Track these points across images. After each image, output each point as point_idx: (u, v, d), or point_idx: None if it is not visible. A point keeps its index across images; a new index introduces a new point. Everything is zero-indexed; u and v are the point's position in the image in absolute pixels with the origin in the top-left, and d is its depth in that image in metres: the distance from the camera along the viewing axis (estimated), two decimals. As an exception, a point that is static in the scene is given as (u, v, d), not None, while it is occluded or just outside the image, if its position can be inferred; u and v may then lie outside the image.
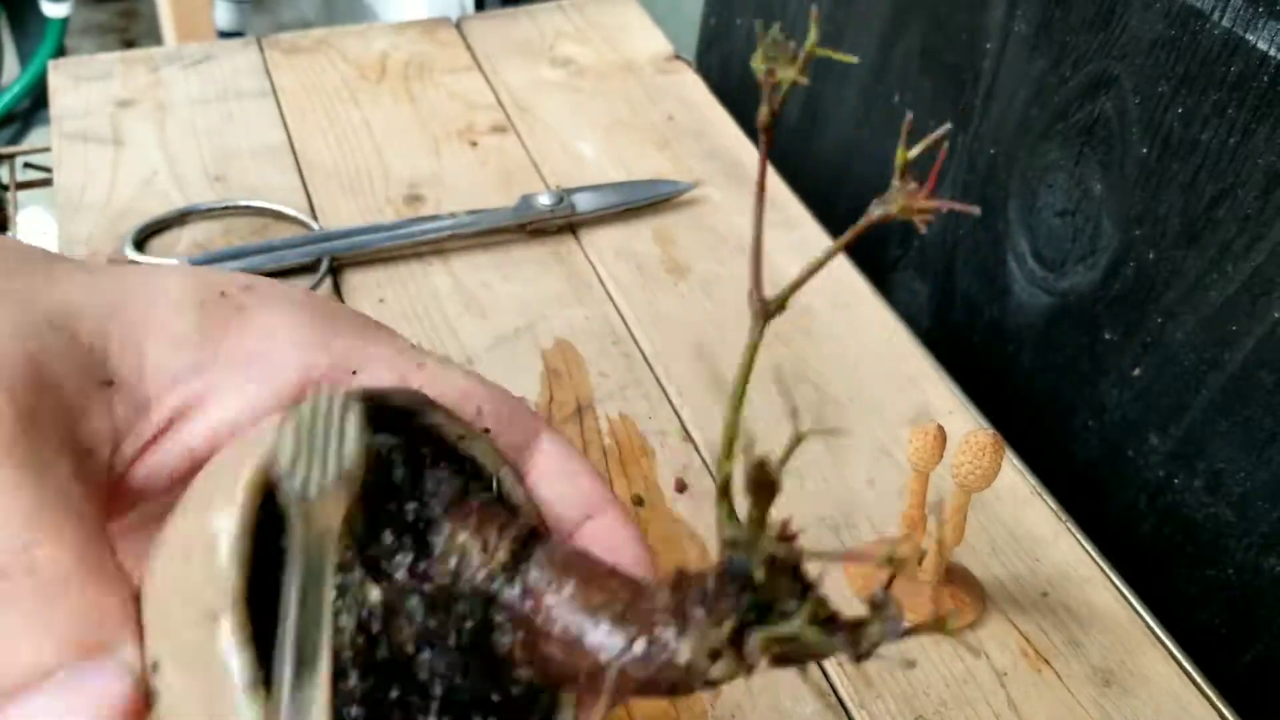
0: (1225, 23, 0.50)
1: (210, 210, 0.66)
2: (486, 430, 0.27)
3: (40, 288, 0.25)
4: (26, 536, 0.21)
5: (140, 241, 0.62)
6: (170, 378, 0.26)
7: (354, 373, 0.27)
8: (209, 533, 0.22)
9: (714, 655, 0.22)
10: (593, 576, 0.24)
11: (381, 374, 0.27)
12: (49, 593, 0.21)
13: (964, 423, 0.58)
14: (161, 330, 0.26)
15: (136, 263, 0.27)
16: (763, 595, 0.23)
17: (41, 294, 0.25)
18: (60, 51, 1.83)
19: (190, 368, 0.26)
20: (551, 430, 0.29)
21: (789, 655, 0.23)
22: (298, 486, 0.22)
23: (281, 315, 0.27)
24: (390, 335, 0.28)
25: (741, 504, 0.23)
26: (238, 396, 0.26)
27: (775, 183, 0.73)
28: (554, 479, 0.28)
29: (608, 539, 0.28)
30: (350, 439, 0.22)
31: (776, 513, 0.24)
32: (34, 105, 1.86)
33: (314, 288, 0.61)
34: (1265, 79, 0.48)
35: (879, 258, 0.77)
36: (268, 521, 0.22)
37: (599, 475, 0.29)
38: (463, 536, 0.24)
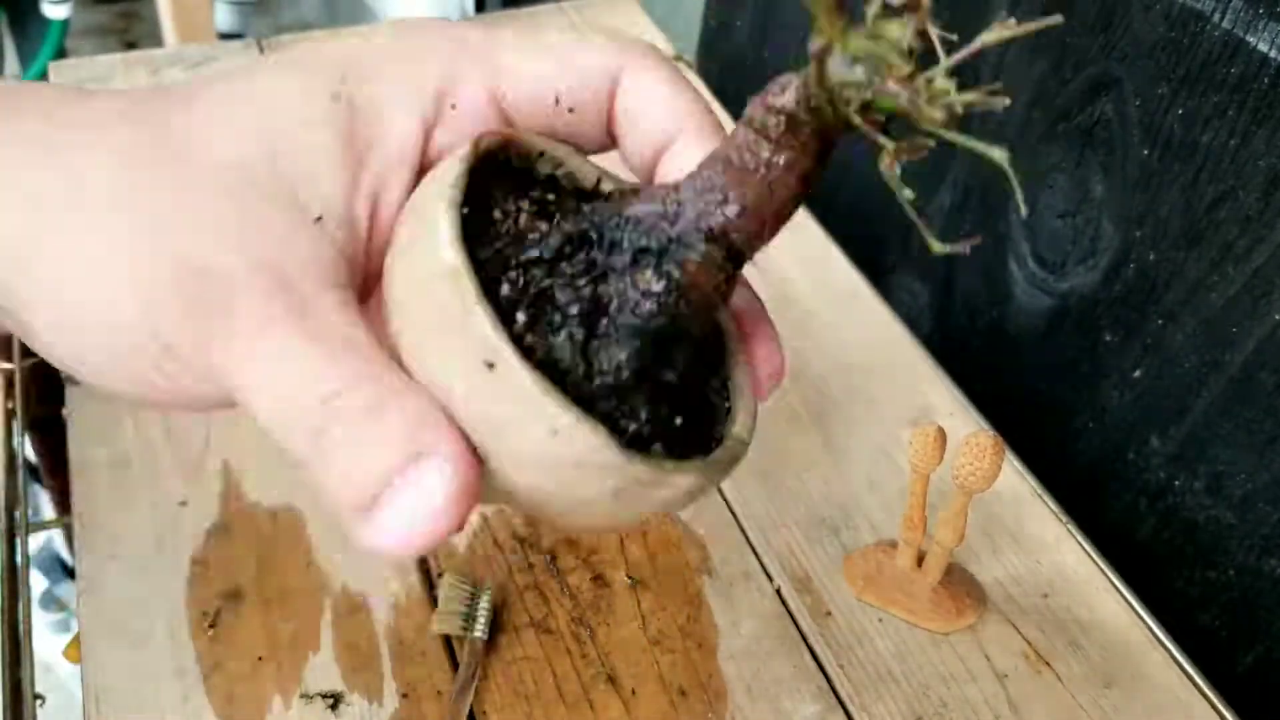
0: (1226, 24, 0.50)
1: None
2: (570, 110, 0.30)
3: (198, 157, 0.27)
4: (329, 388, 0.25)
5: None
6: (350, 191, 0.28)
7: (453, 107, 0.29)
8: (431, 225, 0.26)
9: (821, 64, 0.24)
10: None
11: (475, 96, 0.29)
12: (377, 418, 0.25)
13: (964, 424, 0.58)
14: (318, 159, 0.28)
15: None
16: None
17: (205, 164, 0.27)
18: (61, 53, 1.83)
19: (356, 174, 0.28)
20: (637, 59, 0.30)
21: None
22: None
23: (381, 88, 0.29)
24: (467, 47, 0.30)
25: None
26: (392, 185, 0.29)
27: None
28: (633, 116, 0.30)
29: (679, 163, 0.29)
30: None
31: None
32: (35, 107, 1.85)
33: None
34: (1266, 80, 0.48)
35: (879, 259, 0.77)
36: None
37: (681, 93, 0.30)
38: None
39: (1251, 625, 0.54)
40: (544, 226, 0.27)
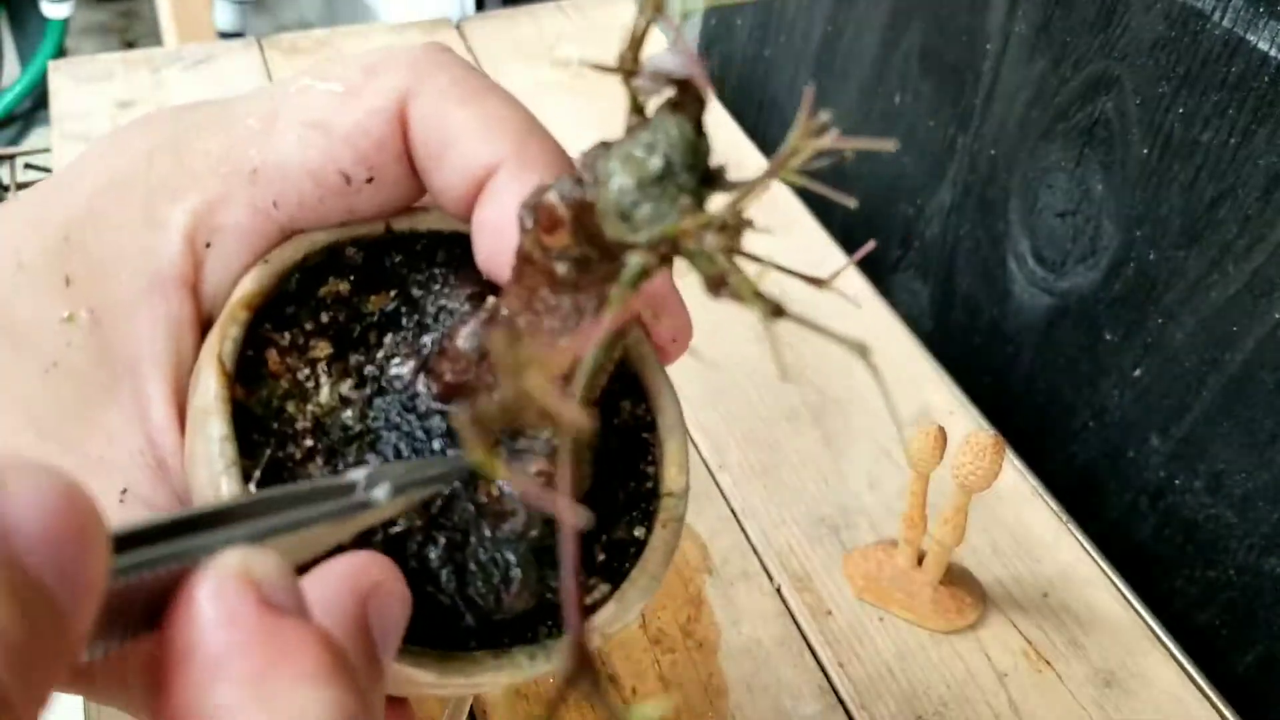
0: (1226, 23, 0.50)
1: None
2: (369, 181, 0.25)
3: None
4: None
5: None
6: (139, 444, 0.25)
7: (207, 245, 0.24)
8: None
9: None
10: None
11: (236, 220, 0.24)
12: None
13: (964, 423, 0.58)
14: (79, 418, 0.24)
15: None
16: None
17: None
18: (61, 52, 1.83)
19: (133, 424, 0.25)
20: (426, 80, 0.24)
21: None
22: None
23: (112, 268, 0.25)
24: (212, 160, 0.24)
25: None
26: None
27: (775, 183, 0.73)
28: (439, 151, 0.24)
29: (497, 204, 0.24)
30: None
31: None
32: (34, 106, 1.86)
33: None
34: (1266, 79, 0.48)
35: (879, 259, 0.77)
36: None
37: (489, 103, 0.24)
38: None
39: (1251, 624, 0.54)
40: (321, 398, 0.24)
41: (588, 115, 0.77)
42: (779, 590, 0.50)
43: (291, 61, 0.79)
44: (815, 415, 0.58)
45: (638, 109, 0.19)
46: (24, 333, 0.23)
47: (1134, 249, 0.57)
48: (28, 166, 0.78)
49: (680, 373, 0.62)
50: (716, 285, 0.18)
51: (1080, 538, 0.53)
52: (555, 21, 0.87)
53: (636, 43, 0.19)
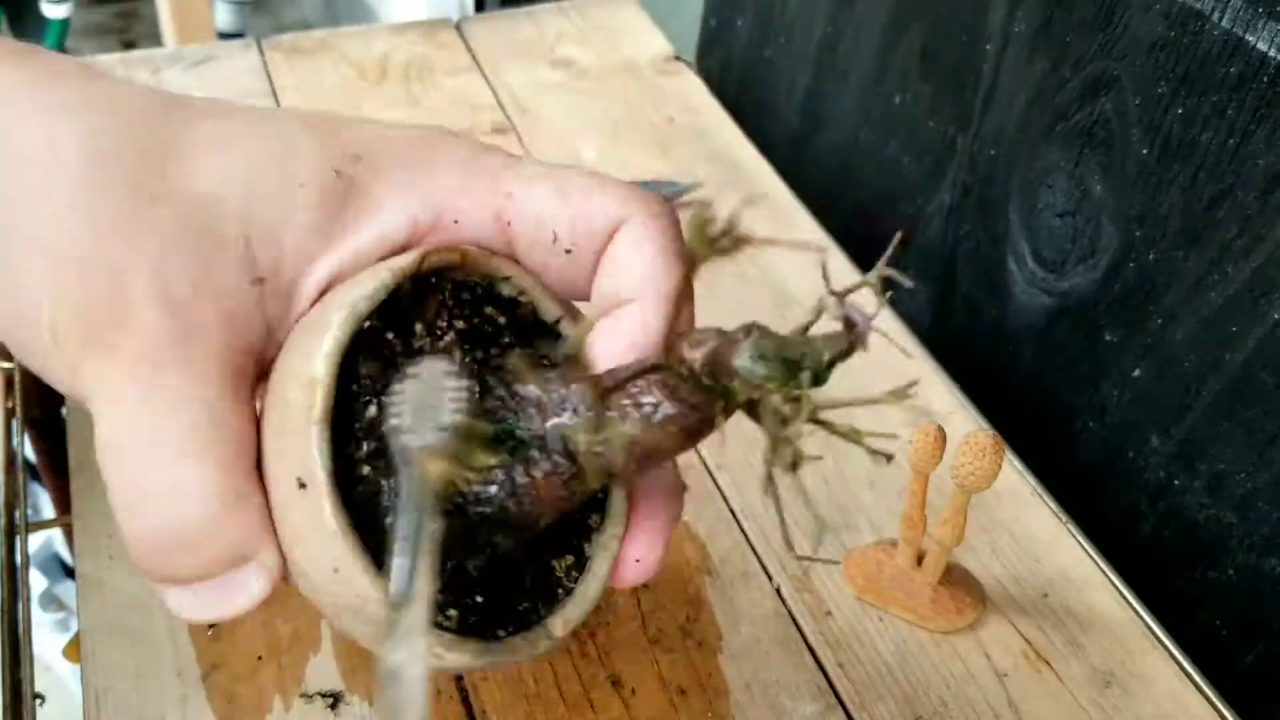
0: (1225, 24, 0.50)
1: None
2: (567, 251, 0.30)
3: (174, 176, 0.27)
4: (174, 462, 0.25)
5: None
6: (306, 264, 0.28)
7: (455, 222, 0.29)
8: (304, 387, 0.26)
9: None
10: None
11: (477, 214, 0.29)
12: (207, 513, 0.25)
13: (964, 424, 0.58)
14: (293, 222, 0.28)
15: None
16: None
17: (178, 187, 0.27)
18: (61, 53, 1.83)
19: (322, 253, 0.28)
20: (640, 213, 0.29)
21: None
22: (412, 442, 0.25)
23: (387, 182, 0.29)
24: (484, 166, 0.30)
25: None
26: (359, 269, 0.29)
27: (775, 184, 0.73)
28: (607, 270, 0.30)
29: (608, 328, 0.29)
30: (448, 407, 0.26)
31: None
32: (34, 107, 1.86)
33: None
34: (1265, 80, 0.48)
35: (879, 260, 0.77)
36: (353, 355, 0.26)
37: (658, 260, 0.29)
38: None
39: (1251, 624, 0.54)
40: (455, 358, 0.27)
41: (587, 116, 0.77)
42: (778, 590, 0.50)
43: (291, 62, 0.79)
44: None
45: (808, 324, 0.26)
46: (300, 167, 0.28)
47: (1133, 249, 0.57)
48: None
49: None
50: (768, 425, 0.26)
51: (1080, 538, 0.53)
52: (555, 22, 0.87)
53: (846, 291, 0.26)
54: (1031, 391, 0.66)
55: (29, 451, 0.62)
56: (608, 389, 0.26)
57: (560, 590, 0.29)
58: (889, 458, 0.26)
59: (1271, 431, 0.51)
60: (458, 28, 0.85)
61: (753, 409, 0.26)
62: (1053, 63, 0.60)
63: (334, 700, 0.45)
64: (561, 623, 0.28)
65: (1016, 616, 0.50)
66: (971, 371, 0.63)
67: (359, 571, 0.25)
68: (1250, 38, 0.49)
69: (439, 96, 0.77)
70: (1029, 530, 0.53)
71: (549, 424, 0.26)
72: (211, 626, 0.47)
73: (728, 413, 0.26)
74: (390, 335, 0.27)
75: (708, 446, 0.55)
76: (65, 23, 1.82)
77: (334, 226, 0.28)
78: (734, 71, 0.91)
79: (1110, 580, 0.52)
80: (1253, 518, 0.53)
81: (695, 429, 0.26)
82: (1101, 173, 0.58)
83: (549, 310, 0.30)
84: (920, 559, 0.49)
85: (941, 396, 0.59)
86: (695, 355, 0.25)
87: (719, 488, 0.54)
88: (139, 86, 0.29)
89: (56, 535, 0.99)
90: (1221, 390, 0.53)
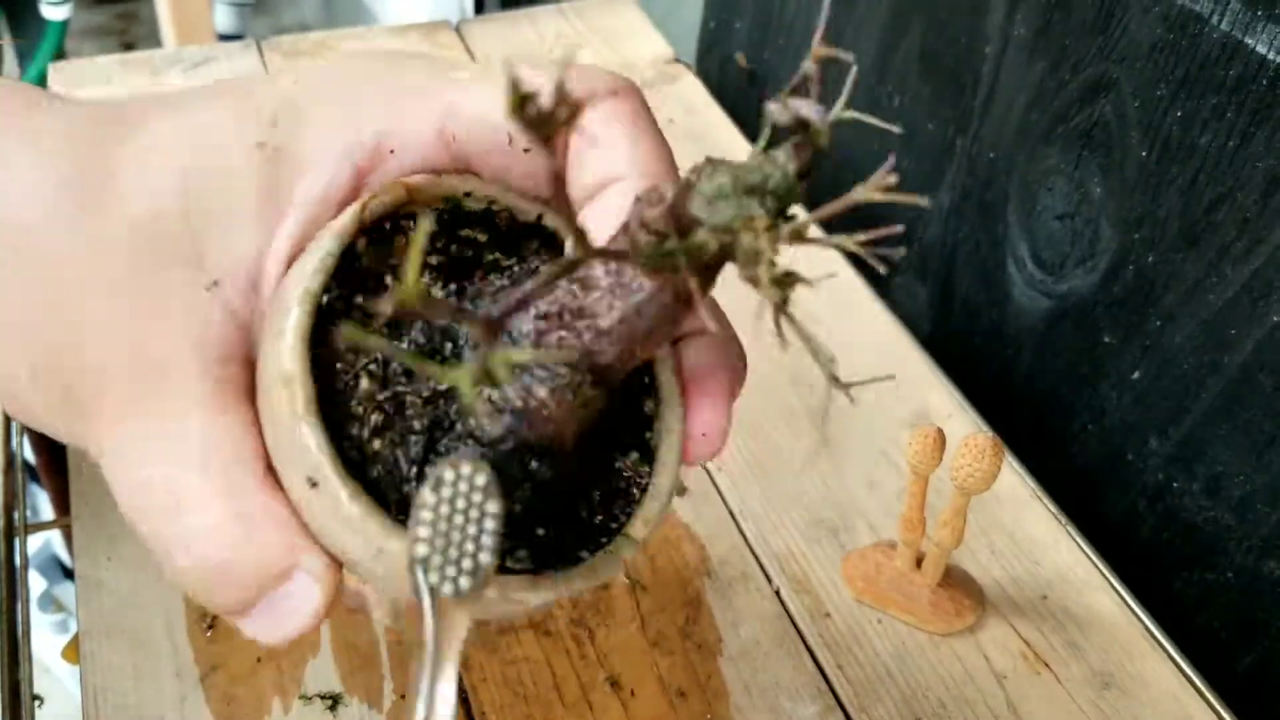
0: (1224, 26, 0.50)
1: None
2: (525, 150, 0.28)
3: (112, 206, 0.26)
4: (194, 496, 0.25)
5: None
6: (257, 247, 0.27)
7: (392, 151, 0.28)
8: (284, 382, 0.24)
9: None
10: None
11: (419, 134, 0.28)
12: (240, 534, 0.25)
13: (963, 426, 0.58)
14: (234, 214, 0.27)
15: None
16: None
17: (117, 215, 0.26)
18: (60, 54, 1.83)
19: (267, 231, 0.27)
20: (602, 92, 0.28)
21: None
22: (434, 582, 0.22)
23: (312, 134, 0.28)
24: (412, 86, 0.28)
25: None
26: (309, 228, 0.28)
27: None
28: (584, 156, 0.28)
29: (597, 215, 0.27)
30: (485, 548, 0.23)
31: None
32: (34, 108, 1.86)
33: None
34: (1264, 82, 0.48)
35: (877, 257, 0.77)
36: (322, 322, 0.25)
37: (633, 135, 0.27)
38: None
39: (1250, 626, 0.54)
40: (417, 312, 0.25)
41: (587, 117, 0.77)
42: (778, 592, 0.50)
43: (291, 64, 0.79)
44: (814, 417, 0.58)
45: (770, 140, 0.23)
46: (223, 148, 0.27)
47: (1133, 251, 0.57)
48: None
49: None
50: (748, 269, 0.22)
51: (1079, 540, 0.53)
52: (555, 24, 0.87)
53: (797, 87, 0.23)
54: (1030, 393, 0.66)
55: (28, 453, 0.62)
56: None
57: (634, 490, 0.27)
58: (893, 266, 0.23)
59: (1270, 433, 0.51)
60: (457, 29, 0.85)
61: (729, 254, 0.22)
62: (1052, 65, 0.60)
63: (333, 702, 0.45)
64: (641, 523, 0.26)
65: (1015, 618, 0.50)
66: (970, 373, 0.63)
67: (398, 547, 0.23)
68: (1249, 40, 0.49)
69: (438, 98, 0.78)
70: (1028, 532, 0.53)
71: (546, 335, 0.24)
72: (210, 627, 0.47)
73: (705, 271, 0.23)
74: (360, 298, 0.26)
75: (707, 448, 0.56)
76: (65, 24, 1.82)
77: (274, 202, 0.27)
78: (733, 73, 0.91)
79: (1109, 582, 0.52)
80: (1251, 519, 0.53)
81: (671, 307, 0.24)
82: (1101, 175, 0.58)
83: (525, 210, 0.28)
84: (919, 561, 0.49)
85: (940, 398, 0.59)
86: (653, 215, 0.22)
87: (718, 489, 0.54)
88: (77, 108, 0.28)
89: (55, 537, 0.99)
90: (1220, 392, 0.53)
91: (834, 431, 0.57)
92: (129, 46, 2.13)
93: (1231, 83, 0.50)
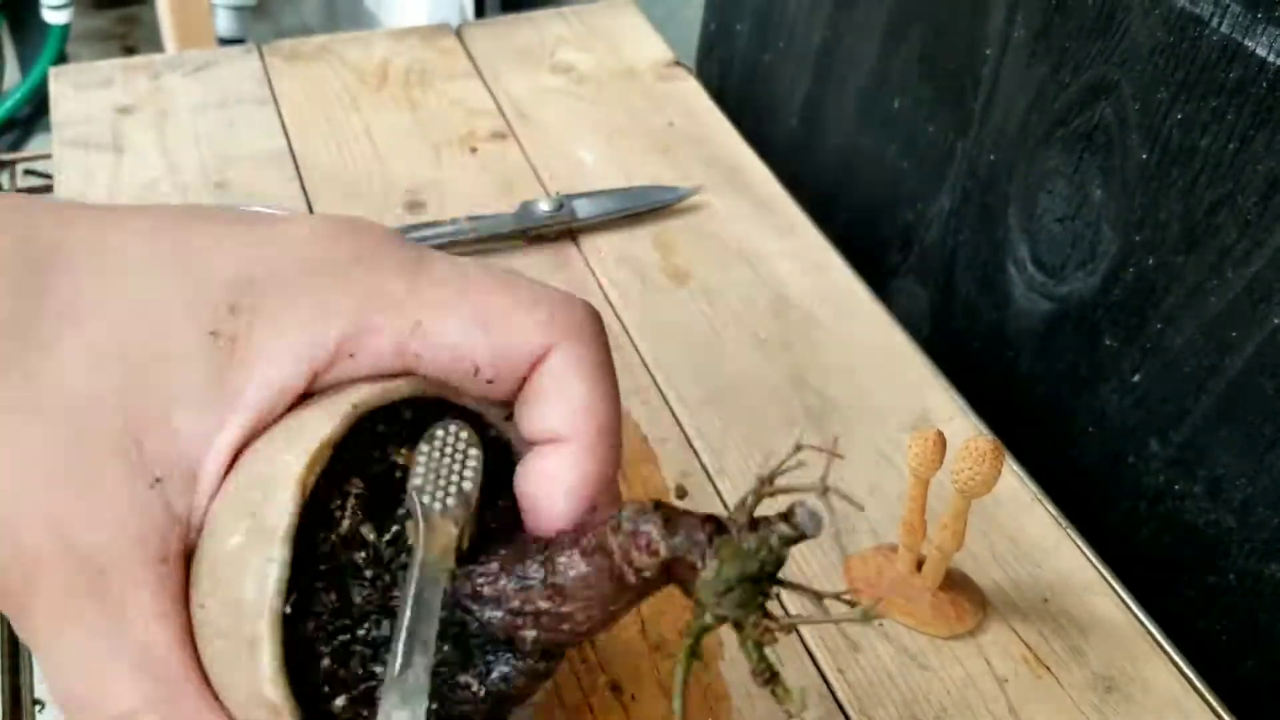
0: (1224, 29, 0.50)
1: (210, 216, 0.66)
2: (489, 381, 0.28)
3: (47, 376, 0.25)
4: (125, 706, 0.24)
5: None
6: (204, 445, 0.26)
7: (352, 356, 0.27)
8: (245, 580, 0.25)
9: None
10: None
11: (380, 349, 0.27)
12: None
13: (964, 429, 0.58)
14: (180, 403, 0.26)
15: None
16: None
17: (51, 388, 0.25)
18: (61, 58, 1.84)
19: (218, 427, 0.26)
20: (567, 340, 0.28)
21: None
22: (427, 504, 0.26)
23: (274, 328, 0.27)
24: (384, 296, 0.28)
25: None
26: (257, 425, 0.27)
27: (774, 188, 0.73)
28: (534, 402, 0.28)
29: (538, 468, 0.28)
30: (467, 479, 0.27)
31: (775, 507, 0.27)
32: (35, 112, 1.86)
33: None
34: (1264, 85, 0.48)
35: (878, 264, 0.77)
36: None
37: (587, 398, 0.28)
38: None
39: (1252, 630, 0.54)
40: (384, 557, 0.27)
41: (586, 121, 0.77)
42: (778, 596, 0.50)
43: (292, 68, 0.79)
44: (815, 420, 0.58)
45: (751, 514, 0.26)
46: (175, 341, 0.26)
47: (1133, 254, 0.57)
48: (28, 172, 0.78)
49: (681, 376, 0.62)
50: (759, 675, 0.26)
51: (1080, 543, 0.53)
52: (555, 27, 0.87)
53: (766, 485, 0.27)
54: (1031, 396, 0.66)
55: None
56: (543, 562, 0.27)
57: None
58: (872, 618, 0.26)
59: (1271, 436, 0.51)
60: (457, 33, 0.85)
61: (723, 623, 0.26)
62: (1052, 68, 0.60)
63: (333, 706, 0.45)
64: None
65: (1017, 622, 0.50)
66: (971, 376, 0.63)
67: None
68: (1249, 43, 0.49)
69: (438, 102, 0.78)
70: (1029, 536, 0.53)
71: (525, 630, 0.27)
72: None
73: (703, 632, 0.26)
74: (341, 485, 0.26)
75: (708, 452, 0.55)
76: (66, 28, 1.82)
77: (224, 395, 0.26)
78: (734, 76, 0.91)
79: (1111, 585, 0.51)
80: (1253, 523, 0.53)
81: (634, 601, 0.27)
82: (1101, 177, 0.58)
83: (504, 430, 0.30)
84: (920, 564, 0.49)
85: (941, 401, 0.59)
86: (647, 563, 0.25)
87: (718, 493, 0.54)
88: (13, 256, 0.26)
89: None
90: (1221, 395, 0.53)
91: (834, 434, 0.57)
92: (130, 50, 2.13)
93: (1232, 85, 0.50)
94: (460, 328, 0.27)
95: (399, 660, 0.24)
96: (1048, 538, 0.53)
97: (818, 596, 0.26)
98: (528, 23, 0.87)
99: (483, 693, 0.27)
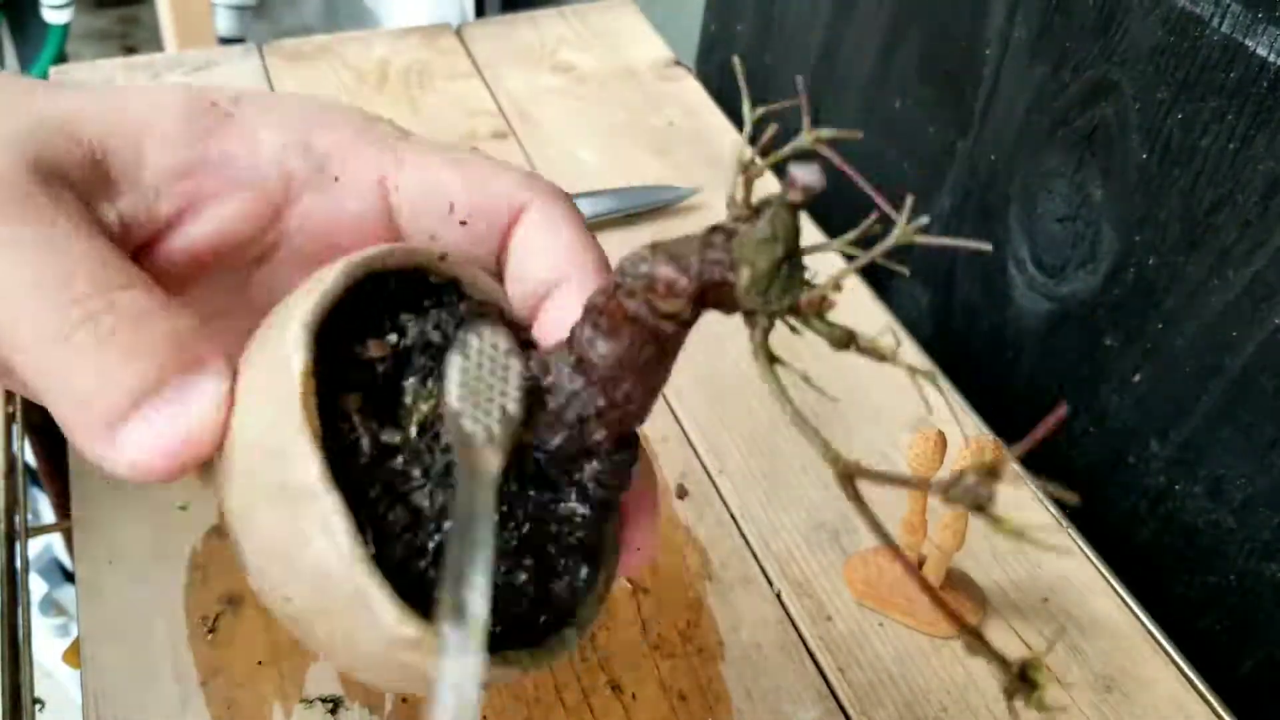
0: (1224, 29, 0.50)
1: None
2: (463, 222, 0.28)
3: (41, 98, 0.26)
4: (98, 282, 0.23)
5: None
6: (167, 176, 0.27)
7: (336, 179, 0.28)
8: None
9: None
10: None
11: (362, 174, 0.28)
12: (139, 325, 0.23)
13: (965, 428, 0.58)
14: (156, 132, 0.27)
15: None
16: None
17: (42, 103, 0.26)
18: (61, 58, 1.83)
19: (182, 167, 0.27)
20: (543, 196, 0.28)
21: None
22: (468, 428, 0.23)
23: (265, 120, 0.28)
24: (374, 131, 0.29)
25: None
26: (227, 203, 0.27)
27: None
28: (527, 253, 0.28)
29: (559, 312, 0.28)
30: (511, 399, 0.24)
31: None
32: (35, 112, 1.86)
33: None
34: (1264, 85, 0.48)
35: (879, 264, 0.77)
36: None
37: (578, 240, 0.28)
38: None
39: (1252, 629, 0.54)
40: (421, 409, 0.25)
41: (587, 121, 0.77)
42: (779, 595, 0.50)
43: (292, 67, 0.79)
44: (816, 420, 0.58)
45: (749, 202, 0.25)
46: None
47: (1134, 254, 0.57)
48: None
49: (681, 377, 0.62)
50: (838, 341, 0.25)
51: (1080, 542, 0.53)
52: (555, 27, 0.87)
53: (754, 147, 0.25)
54: (1031, 396, 0.66)
55: (29, 456, 0.62)
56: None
57: (569, 594, 0.27)
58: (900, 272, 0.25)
59: (1271, 436, 0.51)
60: (458, 33, 0.85)
61: (781, 317, 0.25)
62: (1052, 68, 0.60)
63: (334, 705, 0.45)
64: (576, 630, 0.26)
65: (1017, 621, 0.50)
66: (972, 376, 0.63)
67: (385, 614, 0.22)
68: (1250, 43, 0.49)
69: (439, 101, 0.78)
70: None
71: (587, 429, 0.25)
72: (211, 631, 0.47)
73: (768, 332, 0.25)
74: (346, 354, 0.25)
75: (708, 452, 0.55)
76: (66, 28, 1.82)
77: (200, 145, 0.27)
78: (733, 77, 0.91)
79: (1111, 585, 0.51)
80: (1253, 523, 0.53)
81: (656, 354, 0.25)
82: (1102, 178, 0.58)
83: (496, 295, 0.29)
84: (921, 564, 0.49)
85: (942, 401, 0.59)
86: (674, 305, 0.24)
87: (719, 493, 0.54)
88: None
89: (57, 540, 0.99)
90: (1221, 395, 0.53)
91: (835, 434, 0.57)
92: (130, 50, 2.13)
93: (1232, 85, 0.50)
94: (440, 164, 0.28)
95: (455, 596, 0.21)
96: (1048, 537, 0.53)
97: (848, 244, 0.25)
98: (528, 23, 0.87)
99: (587, 510, 0.26)
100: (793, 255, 0.24)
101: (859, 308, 0.64)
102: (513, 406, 0.24)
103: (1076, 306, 0.61)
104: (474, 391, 0.24)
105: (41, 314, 0.22)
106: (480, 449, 0.23)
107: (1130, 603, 0.51)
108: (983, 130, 0.66)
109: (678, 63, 0.84)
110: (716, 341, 0.60)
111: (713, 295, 0.24)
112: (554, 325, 0.27)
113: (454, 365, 0.24)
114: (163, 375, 0.23)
